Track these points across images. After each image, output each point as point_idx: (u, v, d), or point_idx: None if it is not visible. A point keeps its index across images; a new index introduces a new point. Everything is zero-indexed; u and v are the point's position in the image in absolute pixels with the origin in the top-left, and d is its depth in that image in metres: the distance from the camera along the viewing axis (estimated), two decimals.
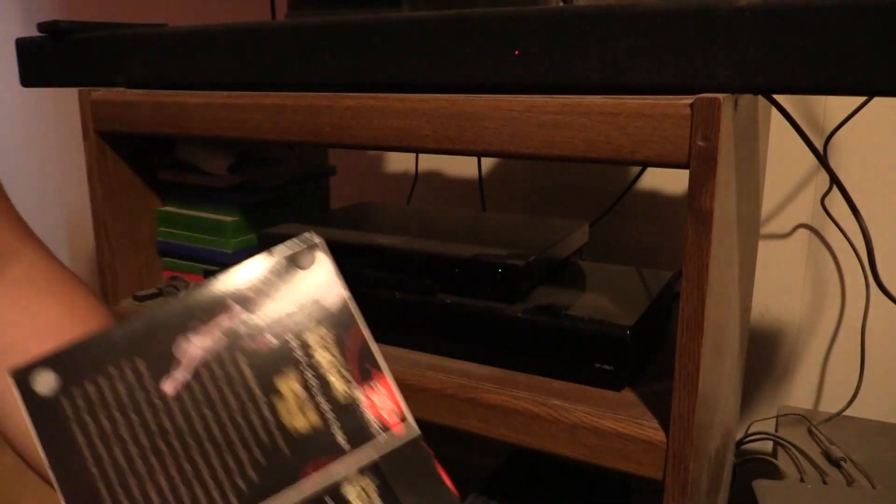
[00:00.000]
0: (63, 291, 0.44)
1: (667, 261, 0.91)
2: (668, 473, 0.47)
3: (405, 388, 0.55)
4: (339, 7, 0.64)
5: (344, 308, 0.29)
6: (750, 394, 0.90)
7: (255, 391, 0.28)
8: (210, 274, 0.67)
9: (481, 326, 0.58)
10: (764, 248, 0.86)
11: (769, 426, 0.78)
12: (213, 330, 0.28)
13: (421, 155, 1.05)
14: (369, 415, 0.28)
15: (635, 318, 0.55)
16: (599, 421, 0.49)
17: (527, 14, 0.47)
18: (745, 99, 0.48)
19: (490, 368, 0.57)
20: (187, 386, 0.28)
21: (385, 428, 0.28)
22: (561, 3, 0.57)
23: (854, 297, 0.83)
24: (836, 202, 0.80)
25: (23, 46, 0.73)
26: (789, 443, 0.70)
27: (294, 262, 0.30)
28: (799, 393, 0.88)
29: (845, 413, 0.77)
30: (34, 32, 0.71)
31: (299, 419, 0.28)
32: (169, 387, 0.27)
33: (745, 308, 0.71)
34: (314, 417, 0.28)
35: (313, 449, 0.28)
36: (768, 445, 0.76)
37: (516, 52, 0.48)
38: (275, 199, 0.79)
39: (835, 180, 0.63)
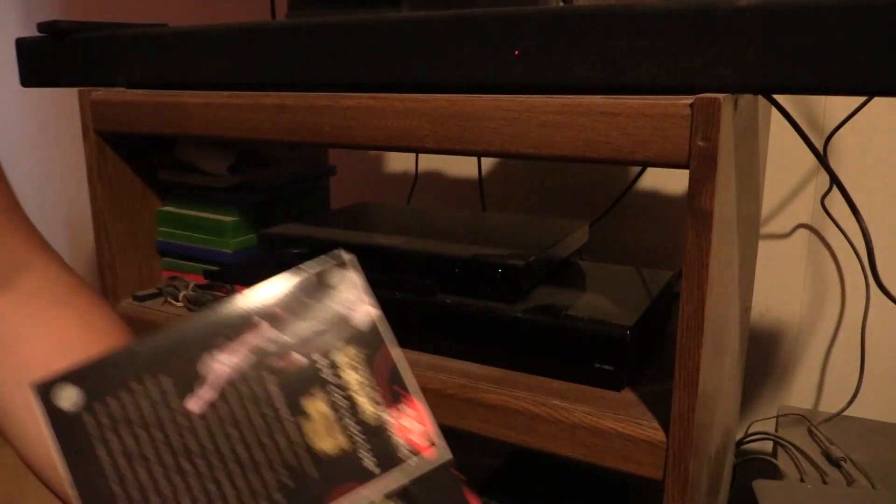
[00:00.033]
0: (78, 303, 0.43)
1: (667, 261, 0.91)
2: (668, 473, 0.47)
3: None
4: (339, 7, 0.64)
5: (373, 327, 0.29)
6: (750, 394, 0.90)
7: (281, 411, 0.27)
8: (210, 274, 0.67)
9: (481, 326, 0.58)
10: (764, 248, 0.86)
11: (769, 426, 0.78)
12: (239, 347, 0.28)
13: (421, 155, 1.05)
14: (398, 438, 0.28)
15: (635, 318, 0.55)
16: (599, 421, 0.49)
17: (527, 14, 0.47)
18: (745, 99, 0.48)
19: (490, 368, 0.57)
20: (213, 404, 0.27)
21: (415, 452, 0.28)
22: (561, 3, 0.57)
23: (854, 297, 0.83)
24: (836, 202, 0.80)
25: (23, 46, 0.73)
26: (789, 443, 0.70)
27: (323, 280, 0.29)
28: (799, 393, 0.88)
29: (845, 413, 0.77)
30: (34, 32, 0.71)
31: (327, 441, 0.27)
32: (194, 405, 0.27)
33: (745, 308, 0.71)
34: (342, 440, 0.27)
35: (341, 472, 0.27)
36: (768, 445, 0.76)
37: (516, 52, 0.48)
38: (275, 199, 0.79)
39: (835, 180, 0.63)
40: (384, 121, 0.52)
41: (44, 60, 0.73)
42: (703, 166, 0.42)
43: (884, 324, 0.81)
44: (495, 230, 0.70)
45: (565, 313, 0.56)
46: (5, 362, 0.40)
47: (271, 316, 0.28)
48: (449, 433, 0.29)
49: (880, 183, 0.80)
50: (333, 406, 0.28)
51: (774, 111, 0.66)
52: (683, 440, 0.46)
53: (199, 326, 0.28)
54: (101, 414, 0.26)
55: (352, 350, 0.28)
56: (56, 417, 0.26)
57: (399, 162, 1.12)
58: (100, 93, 0.69)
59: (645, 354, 0.59)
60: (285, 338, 0.28)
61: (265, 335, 0.28)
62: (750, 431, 0.82)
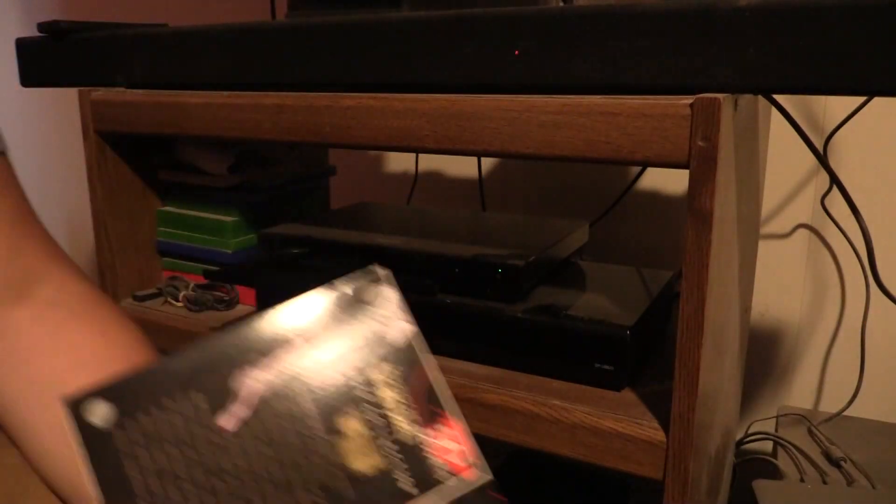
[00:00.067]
0: (98, 316, 0.42)
1: (667, 261, 0.91)
2: (668, 473, 0.47)
3: None
4: (339, 7, 0.64)
5: (409, 344, 0.28)
6: (750, 394, 0.90)
7: (316, 430, 0.27)
8: (210, 274, 0.67)
9: (481, 326, 0.58)
10: (764, 248, 0.86)
11: (769, 426, 0.78)
12: (273, 364, 0.27)
13: (421, 155, 1.05)
14: (436, 458, 0.27)
15: (635, 318, 0.55)
16: (599, 421, 0.49)
17: (527, 14, 0.47)
18: (745, 99, 0.48)
19: (490, 368, 0.57)
20: (246, 422, 0.26)
21: (453, 473, 0.27)
22: (561, 3, 0.57)
23: (854, 297, 0.83)
24: (836, 202, 0.80)
25: (23, 46, 0.73)
26: (789, 443, 0.70)
27: (358, 296, 0.28)
28: (799, 393, 0.88)
29: (845, 413, 0.77)
30: (34, 32, 0.71)
31: (363, 461, 0.26)
32: (226, 422, 0.26)
33: (745, 308, 0.71)
34: (378, 460, 0.26)
35: (377, 494, 0.26)
36: (768, 445, 0.76)
37: (516, 52, 0.48)
38: (275, 199, 0.79)
39: (835, 180, 0.63)
40: (384, 121, 0.52)
41: (44, 60, 0.73)
42: (703, 166, 0.42)
43: (884, 324, 0.81)
44: (495, 230, 0.70)
45: (565, 313, 0.56)
46: (22, 375, 0.39)
47: (306, 332, 0.28)
48: None
49: (880, 183, 0.80)
50: (369, 425, 0.27)
51: (774, 111, 0.66)
52: (683, 440, 0.46)
53: (232, 343, 0.27)
54: (132, 430, 0.26)
55: (387, 367, 0.28)
56: (87, 433, 0.26)
57: (399, 162, 1.12)
58: (100, 93, 0.69)
59: (645, 354, 0.59)
60: (320, 355, 0.27)
61: (299, 352, 0.27)
62: (750, 431, 0.82)
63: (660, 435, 0.47)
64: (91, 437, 0.26)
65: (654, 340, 0.61)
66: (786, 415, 0.77)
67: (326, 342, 0.28)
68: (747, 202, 0.58)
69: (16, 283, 0.40)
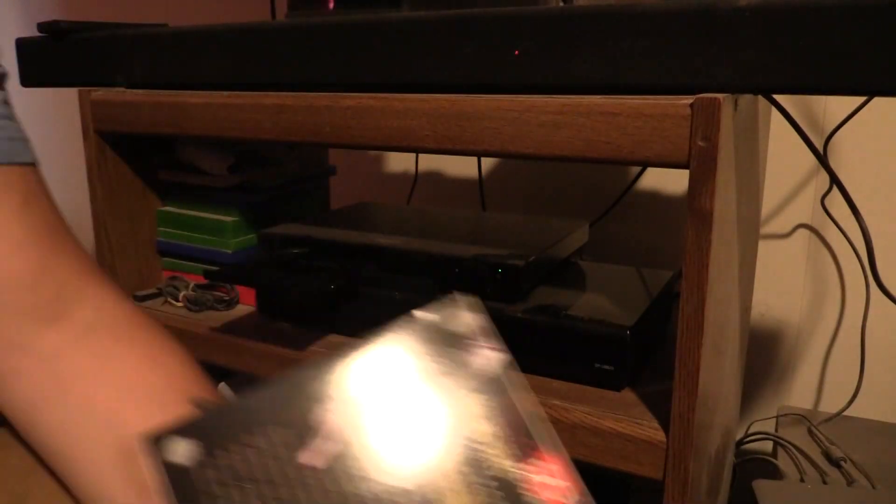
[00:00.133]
0: (141, 339, 0.40)
1: (667, 261, 0.91)
2: (668, 473, 0.47)
3: None
4: (339, 7, 0.64)
5: (502, 374, 0.27)
6: (750, 394, 0.90)
7: (405, 466, 0.25)
8: (210, 274, 0.67)
9: None
10: (764, 248, 0.86)
11: (769, 426, 0.78)
12: (357, 398, 0.26)
13: (421, 155, 1.05)
14: (535, 496, 0.25)
15: (635, 318, 0.54)
16: (599, 421, 0.49)
17: (527, 14, 0.47)
18: (745, 99, 0.48)
19: None
20: (330, 458, 0.25)
21: None
22: (561, 3, 0.57)
23: (854, 297, 0.83)
24: (836, 202, 0.80)
25: (23, 46, 0.73)
26: (789, 443, 0.70)
27: (443, 325, 0.27)
28: (799, 393, 0.88)
29: (845, 413, 0.77)
30: (34, 32, 0.71)
31: (460, 499, 0.25)
32: (309, 458, 0.25)
33: (745, 308, 0.71)
34: (476, 498, 0.25)
35: None
36: (768, 445, 0.76)
37: (516, 52, 0.48)
38: (275, 199, 0.79)
39: (835, 180, 0.63)
40: (384, 121, 0.52)
41: (44, 60, 0.73)
42: (703, 166, 0.42)
43: (884, 324, 0.81)
44: (495, 230, 0.71)
45: (565, 313, 0.56)
46: (63, 403, 0.37)
47: (393, 364, 0.26)
48: None
49: (880, 183, 0.80)
50: (465, 460, 0.25)
51: (774, 111, 0.66)
52: (683, 440, 0.46)
53: (312, 377, 0.26)
54: (211, 468, 0.25)
55: (480, 399, 0.26)
56: (168, 471, 0.25)
57: (399, 162, 1.12)
58: (100, 93, 0.69)
59: (645, 354, 0.59)
60: (406, 388, 0.26)
61: (383, 386, 0.26)
62: (750, 431, 0.82)
63: (660, 435, 0.47)
64: (172, 475, 0.25)
65: (654, 340, 0.61)
66: (786, 415, 0.77)
67: (413, 375, 0.26)
68: (747, 202, 0.58)
69: (48, 304, 0.38)
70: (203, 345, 0.67)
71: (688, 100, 0.42)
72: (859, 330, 0.81)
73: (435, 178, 1.07)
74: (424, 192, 1.06)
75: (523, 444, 0.26)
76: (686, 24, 0.42)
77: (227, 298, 0.73)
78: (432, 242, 0.64)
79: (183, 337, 0.69)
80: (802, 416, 0.76)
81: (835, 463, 0.67)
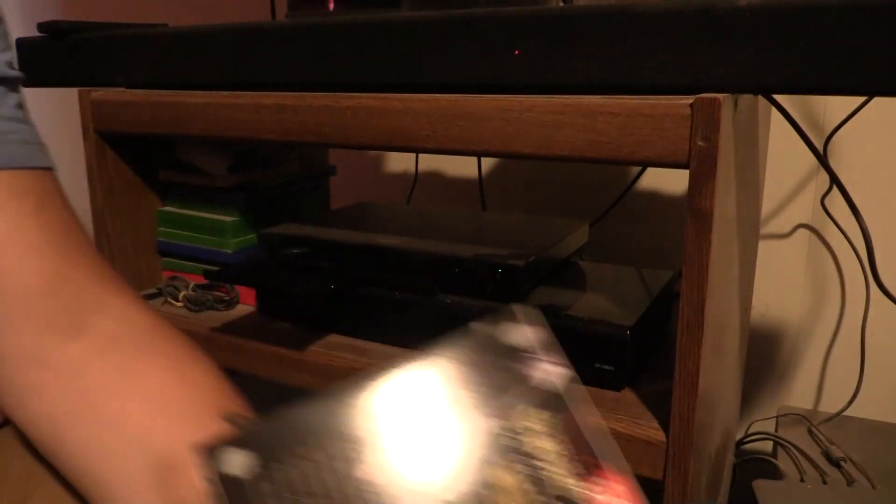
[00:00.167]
0: (168, 352, 0.39)
1: (667, 261, 0.91)
2: (668, 473, 0.47)
3: None
4: (339, 7, 0.64)
5: (564, 389, 0.26)
6: (750, 394, 0.90)
7: (468, 483, 0.24)
8: (210, 274, 0.67)
9: None
10: (764, 248, 0.86)
11: (769, 426, 0.78)
12: (412, 412, 0.25)
13: (421, 155, 1.05)
14: None
15: (635, 318, 0.54)
16: None
17: (527, 14, 0.47)
18: (745, 99, 0.48)
19: None
20: (388, 473, 0.24)
21: None
22: (561, 3, 0.57)
23: (854, 297, 0.83)
24: (836, 202, 0.80)
25: (23, 46, 0.73)
26: (789, 443, 0.70)
27: (506, 337, 0.26)
28: (799, 393, 0.88)
29: (845, 413, 0.77)
30: (34, 32, 0.71)
31: None
32: (367, 473, 0.24)
33: (745, 308, 0.71)
34: None
35: None
36: (768, 445, 0.76)
37: (516, 52, 0.48)
38: (275, 199, 0.79)
39: (835, 180, 0.63)
40: (384, 121, 0.52)
41: (44, 60, 0.73)
42: (703, 166, 0.42)
43: (884, 324, 0.81)
44: (495, 230, 0.71)
45: (565, 313, 0.56)
46: (89, 420, 0.35)
47: (451, 376, 0.26)
48: None
49: (880, 183, 0.80)
50: (527, 479, 0.24)
51: (774, 111, 0.66)
52: (683, 440, 0.46)
53: (365, 388, 0.25)
54: (266, 481, 0.24)
55: (543, 415, 0.25)
56: (225, 483, 0.24)
57: (399, 162, 1.12)
58: (100, 93, 0.69)
59: (645, 354, 0.59)
60: (467, 399, 0.25)
61: (446, 396, 0.25)
62: (750, 431, 0.82)
63: (660, 435, 0.47)
64: (228, 487, 0.24)
65: (654, 340, 0.61)
66: (786, 415, 0.77)
67: (474, 386, 0.25)
68: (747, 202, 0.58)
69: (66, 315, 0.36)
70: (203, 345, 0.66)
71: (688, 100, 0.42)
72: (859, 330, 0.81)
73: (435, 178, 1.07)
74: (424, 192, 1.06)
75: (587, 462, 0.25)
76: (686, 24, 0.42)
77: (227, 298, 0.73)
78: (432, 242, 0.64)
79: None
80: (802, 416, 0.76)
81: (835, 463, 0.67)
